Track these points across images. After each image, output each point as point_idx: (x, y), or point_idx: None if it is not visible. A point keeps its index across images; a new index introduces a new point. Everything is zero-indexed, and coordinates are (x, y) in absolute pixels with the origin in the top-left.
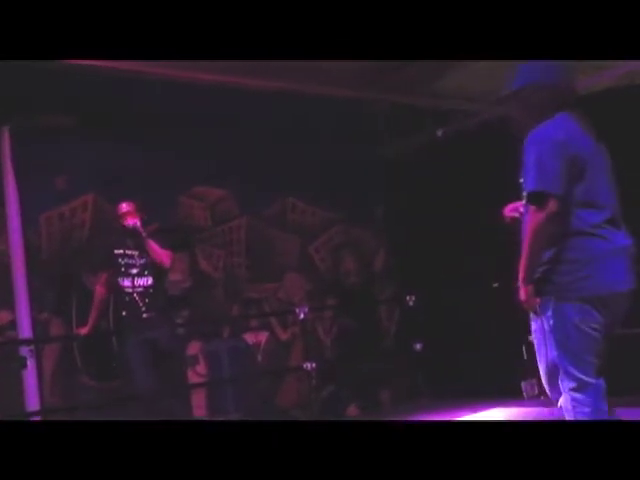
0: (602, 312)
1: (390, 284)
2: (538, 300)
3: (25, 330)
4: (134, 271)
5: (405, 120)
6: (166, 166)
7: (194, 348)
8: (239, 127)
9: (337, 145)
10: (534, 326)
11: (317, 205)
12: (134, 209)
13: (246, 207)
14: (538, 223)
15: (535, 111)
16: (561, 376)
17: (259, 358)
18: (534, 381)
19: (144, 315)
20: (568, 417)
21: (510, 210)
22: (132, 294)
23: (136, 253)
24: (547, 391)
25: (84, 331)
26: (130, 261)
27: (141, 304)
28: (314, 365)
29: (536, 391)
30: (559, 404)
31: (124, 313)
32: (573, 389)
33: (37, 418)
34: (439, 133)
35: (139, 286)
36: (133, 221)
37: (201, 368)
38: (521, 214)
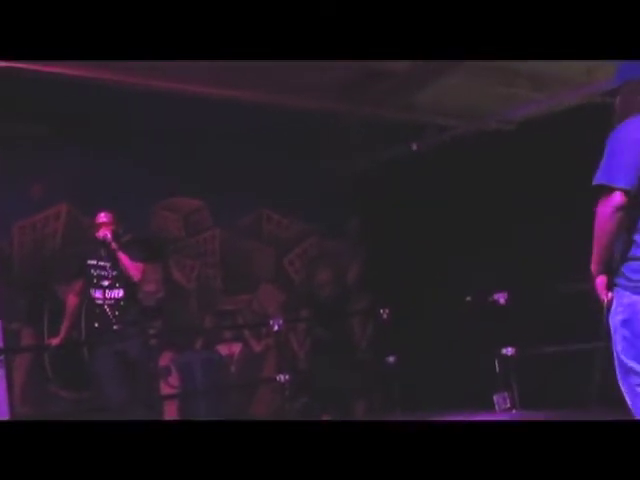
0: None
1: (364, 297)
2: (610, 294)
3: None
4: (106, 283)
5: (380, 133)
6: (140, 177)
7: (166, 359)
8: (214, 139)
9: (312, 157)
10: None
11: (292, 217)
12: (110, 220)
13: (220, 218)
14: (603, 215)
15: (632, 108)
16: (625, 373)
17: (232, 370)
18: (506, 394)
19: (115, 327)
20: (638, 415)
21: None
22: (103, 306)
23: (108, 264)
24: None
25: (56, 341)
26: (102, 272)
27: (112, 316)
28: (287, 377)
29: (508, 404)
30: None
31: (96, 324)
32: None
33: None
34: (414, 147)
35: (110, 298)
36: (104, 233)
37: (173, 379)
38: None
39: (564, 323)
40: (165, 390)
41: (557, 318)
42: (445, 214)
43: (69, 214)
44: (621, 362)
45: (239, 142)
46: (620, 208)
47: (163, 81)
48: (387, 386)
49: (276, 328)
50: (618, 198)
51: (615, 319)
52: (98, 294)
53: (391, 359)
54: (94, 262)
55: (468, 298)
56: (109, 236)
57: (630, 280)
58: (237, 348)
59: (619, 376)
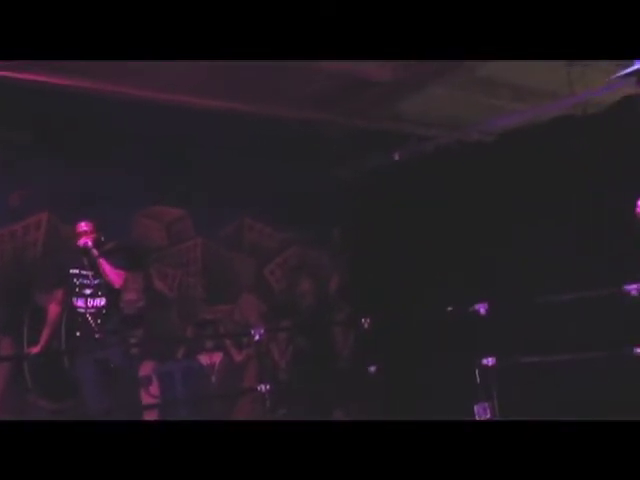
0: None
1: (345, 306)
2: None
3: None
4: (88, 291)
5: (362, 143)
6: (122, 185)
7: (147, 368)
8: (196, 148)
9: (294, 166)
10: None
11: (273, 226)
12: (91, 229)
13: (202, 227)
14: None
15: None
16: None
17: (213, 379)
18: (486, 404)
19: (97, 335)
20: None
21: None
22: (85, 314)
23: (90, 273)
24: None
25: (35, 350)
26: (84, 281)
27: (94, 325)
28: (268, 387)
29: (488, 414)
30: None
31: (78, 333)
32: None
33: None
34: (396, 157)
35: (92, 307)
36: (84, 241)
37: (154, 389)
38: None
39: (544, 333)
40: (146, 399)
41: (537, 329)
42: (427, 224)
43: (50, 223)
44: None
45: (221, 151)
46: None
47: (146, 90)
48: (368, 396)
49: (257, 338)
50: None
51: None
52: (80, 303)
53: (372, 369)
54: (76, 271)
55: (449, 308)
56: (89, 244)
57: None
58: (218, 358)
59: None
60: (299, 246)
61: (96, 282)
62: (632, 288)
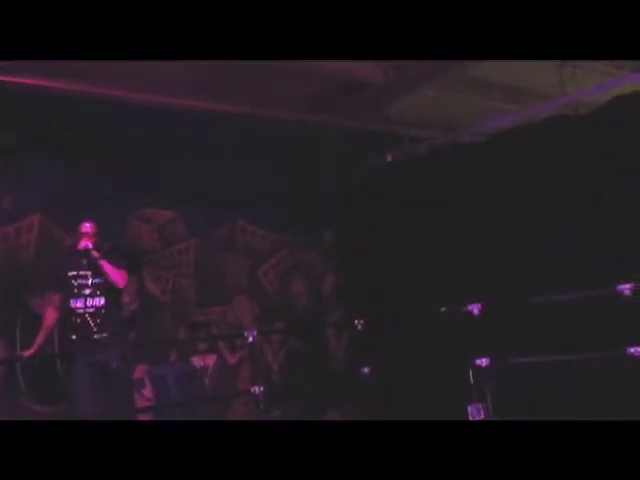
0: None
1: (339, 308)
2: None
3: None
4: (87, 291)
5: (355, 144)
6: (115, 188)
7: (140, 371)
8: (190, 149)
9: (287, 168)
10: None
11: (266, 228)
12: (94, 231)
13: (195, 229)
14: None
15: None
16: None
17: (206, 382)
18: (480, 405)
19: (95, 336)
20: None
21: None
22: (84, 314)
23: (89, 273)
24: None
25: (28, 353)
26: (83, 281)
27: (92, 324)
28: (262, 389)
29: (482, 415)
30: None
31: (74, 336)
32: None
33: None
34: (388, 158)
35: (91, 306)
36: (85, 244)
37: (147, 392)
38: None
39: (538, 334)
40: (139, 402)
41: (531, 329)
42: (420, 225)
43: (42, 225)
44: None
45: (215, 152)
46: None
47: (140, 92)
48: (361, 397)
49: (250, 340)
50: None
51: None
52: (79, 303)
53: (366, 370)
54: (74, 273)
55: (442, 309)
56: (90, 245)
57: None
58: (211, 360)
59: None
60: (292, 248)
61: (95, 281)
62: (625, 288)
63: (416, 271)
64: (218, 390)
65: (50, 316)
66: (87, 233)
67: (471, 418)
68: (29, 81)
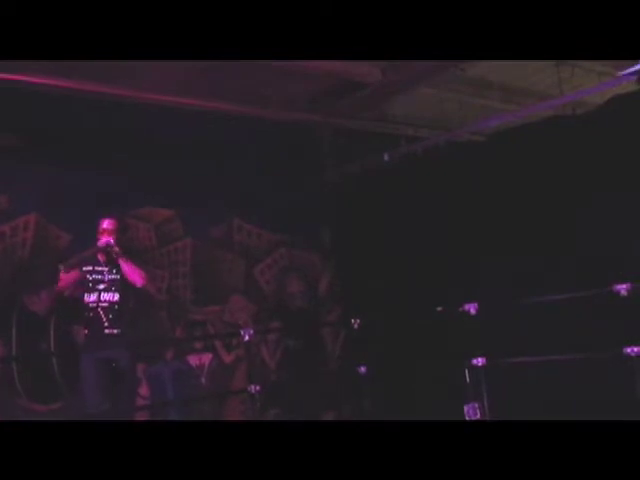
0: None
1: (335, 307)
2: None
3: None
4: (101, 286)
5: (352, 144)
6: (111, 186)
7: (137, 370)
8: (185, 147)
9: (284, 168)
10: None
11: (263, 227)
12: (114, 227)
13: (192, 228)
14: None
15: None
16: None
17: (203, 381)
18: (476, 404)
19: (106, 331)
20: None
21: None
22: (96, 309)
23: (106, 269)
24: None
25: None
26: (98, 277)
27: (105, 319)
28: (258, 387)
29: (478, 414)
30: None
31: (86, 331)
32: None
33: None
34: (386, 157)
35: (104, 301)
36: (106, 240)
37: (144, 390)
38: None
39: (534, 334)
40: (136, 401)
41: (527, 329)
42: (416, 225)
43: (37, 224)
44: None
45: (212, 152)
46: None
47: (133, 91)
48: (358, 396)
49: (247, 339)
50: None
51: None
52: (92, 298)
53: (362, 369)
54: (90, 268)
55: (439, 308)
56: (112, 242)
57: None
58: (208, 359)
59: None
60: (288, 247)
61: (110, 277)
62: (621, 288)
63: (413, 270)
64: (214, 389)
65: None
66: (107, 230)
67: (467, 418)
68: (25, 79)
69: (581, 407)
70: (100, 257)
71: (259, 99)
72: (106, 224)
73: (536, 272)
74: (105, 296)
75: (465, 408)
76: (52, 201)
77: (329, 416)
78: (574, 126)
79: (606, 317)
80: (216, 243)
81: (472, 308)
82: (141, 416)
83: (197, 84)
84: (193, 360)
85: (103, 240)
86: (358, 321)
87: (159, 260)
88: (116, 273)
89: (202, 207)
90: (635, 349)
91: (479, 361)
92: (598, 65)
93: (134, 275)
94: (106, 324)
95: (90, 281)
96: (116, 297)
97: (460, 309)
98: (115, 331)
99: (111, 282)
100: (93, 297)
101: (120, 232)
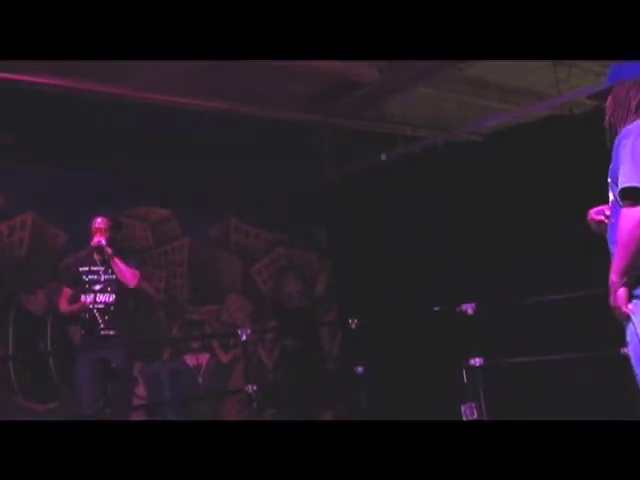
0: None
1: (332, 307)
2: (630, 306)
3: None
4: (97, 287)
5: (350, 143)
6: (108, 185)
7: (134, 370)
8: (183, 147)
9: (282, 167)
10: (628, 336)
11: (260, 227)
12: (107, 226)
13: (189, 228)
14: (633, 221)
15: (623, 108)
16: None
17: (200, 380)
18: (473, 404)
19: (102, 332)
20: None
21: (596, 213)
22: (92, 310)
23: (101, 269)
24: None
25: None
26: (95, 277)
27: (100, 320)
28: (255, 387)
29: (475, 414)
30: None
31: (83, 331)
32: None
33: None
34: (383, 157)
35: (100, 302)
36: (99, 240)
37: (141, 390)
38: (607, 217)
39: (532, 334)
40: (133, 401)
41: (525, 329)
42: (414, 224)
43: (34, 223)
44: None
45: (209, 151)
46: None
47: (131, 91)
48: (355, 396)
49: (244, 338)
50: None
51: (636, 332)
52: (89, 299)
53: (359, 369)
54: (86, 268)
55: (436, 308)
56: (104, 242)
57: None
58: (205, 358)
59: None
60: (286, 247)
61: (106, 277)
62: None
63: (410, 270)
64: (212, 389)
65: (65, 309)
66: (100, 229)
67: (465, 418)
68: (24, 78)
69: (579, 407)
70: (96, 257)
71: (259, 99)
72: (98, 223)
73: (534, 272)
74: (101, 297)
75: (462, 408)
76: (49, 200)
77: (326, 416)
78: (571, 126)
79: (606, 317)
80: (213, 243)
81: (469, 308)
82: (138, 416)
83: (197, 84)
84: (190, 360)
85: (95, 240)
86: (356, 321)
87: (156, 260)
88: (112, 273)
89: (199, 207)
90: None
91: (476, 361)
92: (596, 65)
93: (126, 275)
94: (102, 325)
95: (86, 282)
96: (112, 298)
97: (457, 309)
98: (111, 332)
99: (107, 282)
100: (89, 298)
101: (114, 230)
